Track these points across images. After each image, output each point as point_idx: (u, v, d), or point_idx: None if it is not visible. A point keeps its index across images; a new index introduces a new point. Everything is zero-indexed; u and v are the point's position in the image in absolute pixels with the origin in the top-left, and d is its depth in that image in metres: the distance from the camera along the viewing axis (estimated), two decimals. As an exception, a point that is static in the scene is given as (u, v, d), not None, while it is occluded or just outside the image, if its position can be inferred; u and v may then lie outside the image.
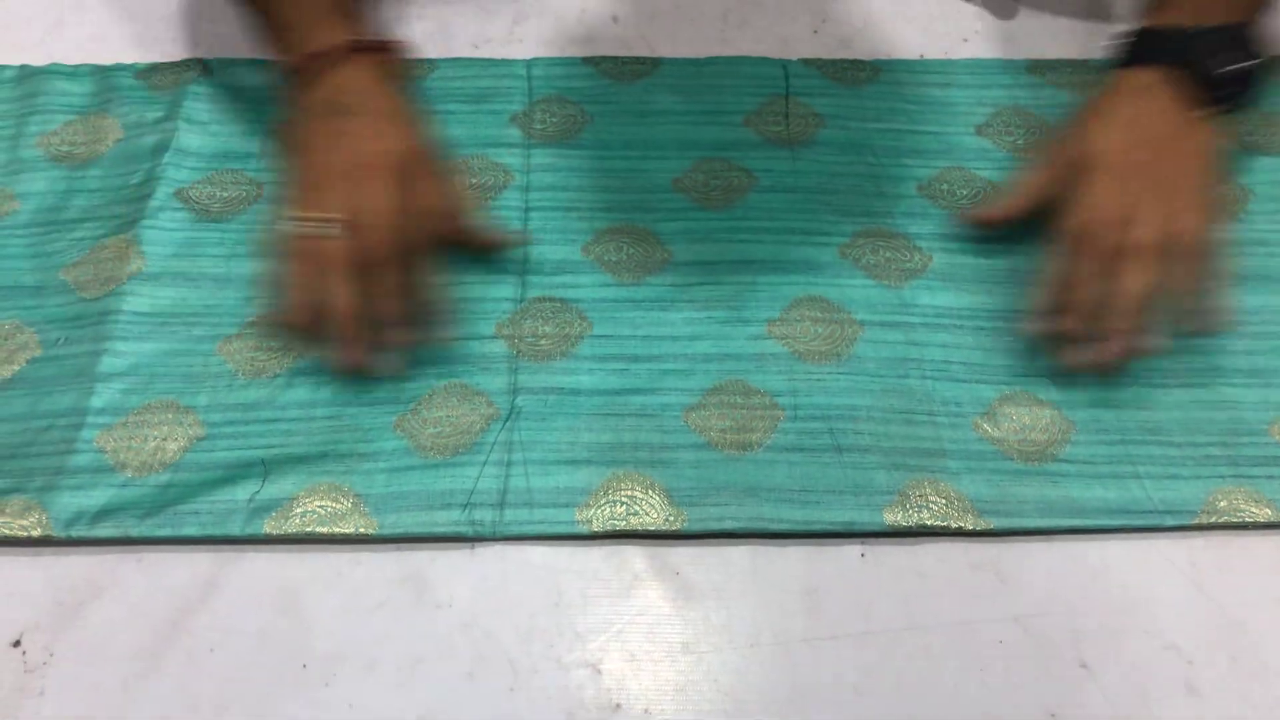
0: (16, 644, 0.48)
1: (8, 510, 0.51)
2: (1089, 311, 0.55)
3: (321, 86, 0.59)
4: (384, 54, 0.62)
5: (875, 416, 0.56)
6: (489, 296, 0.61)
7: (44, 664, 0.47)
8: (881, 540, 0.52)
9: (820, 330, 0.60)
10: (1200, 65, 0.58)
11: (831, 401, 0.57)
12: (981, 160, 0.68)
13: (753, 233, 0.65)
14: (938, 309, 0.61)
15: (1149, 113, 0.59)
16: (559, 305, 0.61)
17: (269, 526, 0.51)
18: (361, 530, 0.51)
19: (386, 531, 0.52)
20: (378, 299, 0.56)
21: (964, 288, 0.62)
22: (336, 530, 0.51)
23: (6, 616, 0.49)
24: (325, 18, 0.60)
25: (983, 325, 0.60)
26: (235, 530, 0.51)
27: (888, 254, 0.63)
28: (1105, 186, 0.57)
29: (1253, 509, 0.52)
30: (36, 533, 0.51)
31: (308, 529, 0.51)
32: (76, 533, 0.51)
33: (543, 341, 0.59)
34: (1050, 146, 0.62)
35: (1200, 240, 0.56)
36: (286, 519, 0.52)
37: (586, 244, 0.64)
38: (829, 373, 0.58)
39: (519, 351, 0.59)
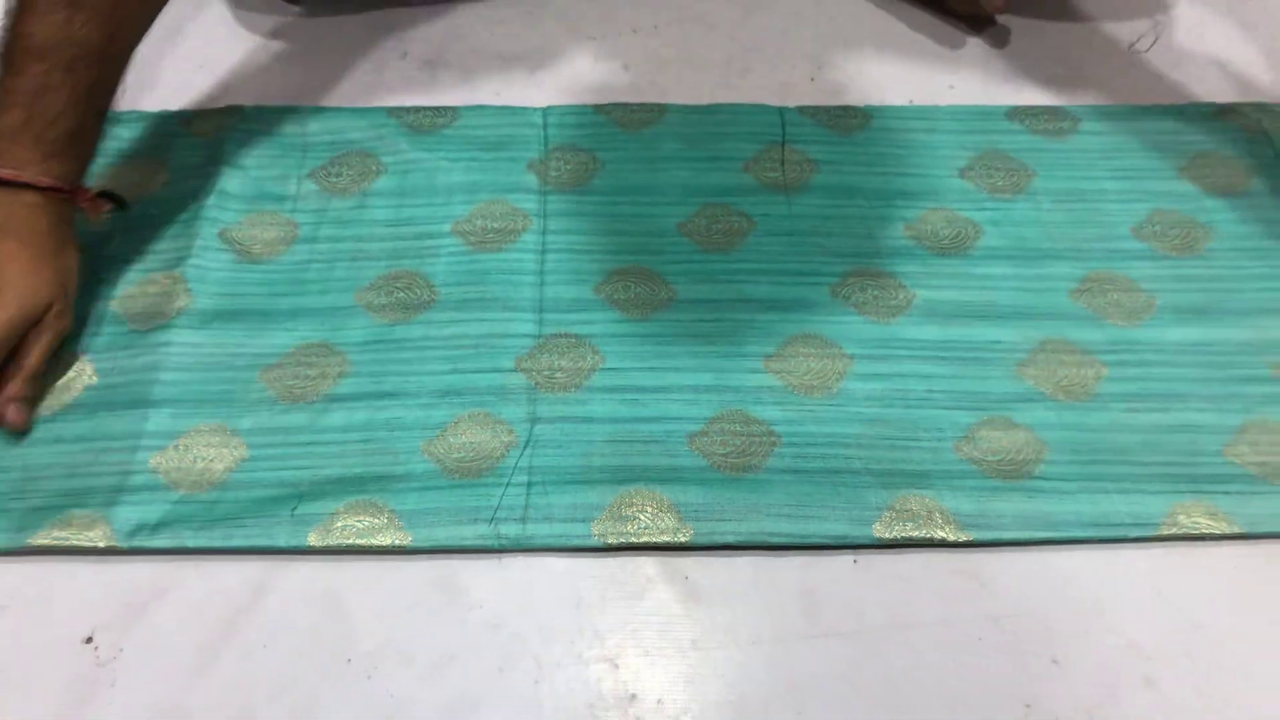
0: (89, 640, 0.53)
1: (75, 523, 0.57)
2: None
3: None
4: (55, 196, 0.62)
5: (864, 443, 0.61)
6: (509, 333, 0.67)
7: (114, 658, 0.53)
8: (871, 549, 0.57)
9: (813, 365, 0.65)
10: None
11: (824, 430, 0.62)
12: (964, 201, 0.74)
13: (751, 274, 0.70)
14: (921, 342, 0.66)
15: None
16: (573, 340, 0.66)
17: (312, 539, 0.57)
18: (397, 543, 0.57)
19: (420, 544, 0.57)
20: None
21: (945, 322, 0.67)
22: (374, 543, 0.57)
23: (80, 616, 0.54)
24: (16, 142, 0.60)
25: (963, 356, 0.65)
26: (281, 542, 0.57)
27: (875, 292, 0.69)
28: None
29: (1209, 522, 0.58)
30: (102, 544, 0.56)
31: (347, 541, 0.57)
32: (137, 543, 0.56)
33: (558, 375, 0.65)
34: None
35: None
36: (328, 532, 0.57)
37: (598, 284, 0.69)
38: (821, 404, 0.63)
39: (537, 384, 0.64)
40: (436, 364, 0.65)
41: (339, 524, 0.57)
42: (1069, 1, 0.92)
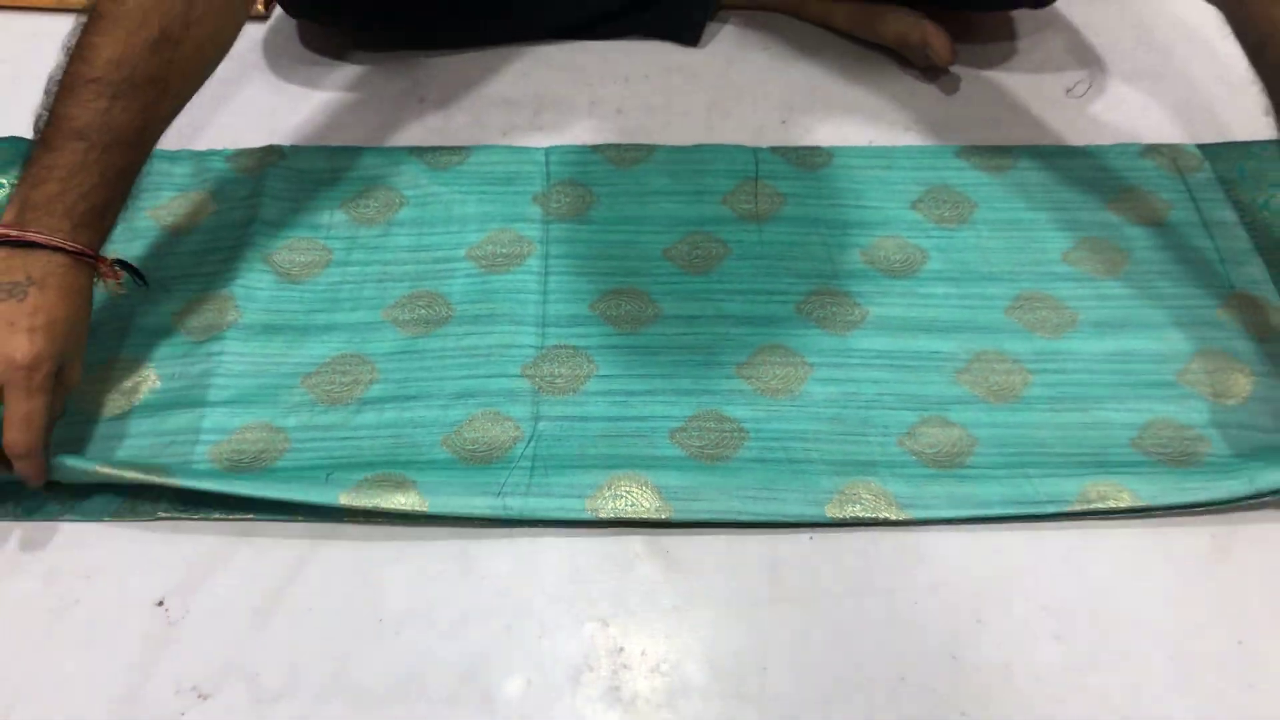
0: (160, 603, 0.60)
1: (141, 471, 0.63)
2: None
3: (5, 260, 0.61)
4: (83, 261, 0.64)
5: (820, 438, 0.68)
6: (516, 344, 0.73)
7: (182, 618, 0.60)
8: (826, 528, 0.64)
9: (779, 372, 0.72)
10: None
11: (786, 427, 0.68)
12: (913, 230, 0.81)
13: (727, 293, 0.76)
14: (873, 352, 0.73)
15: None
16: (572, 351, 0.73)
17: (343, 499, 0.62)
18: (416, 508, 0.62)
19: (436, 510, 0.62)
20: None
21: (894, 335, 0.74)
22: (396, 506, 0.62)
23: (152, 583, 0.61)
24: (49, 212, 0.62)
25: (908, 364, 0.72)
26: (315, 499, 0.62)
27: (834, 309, 0.75)
28: None
29: (1116, 496, 0.63)
30: (160, 480, 0.62)
31: (373, 504, 0.62)
32: (192, 484, 0.62)
33: (559, 380, 0.71)
34: None
35: None
36: (356, 494, 0.63)
37: (593, 302, 0.76)
38: (785, 405, 0.70)
39: (540, 388, 0.71)
40: (453, 371, 0.72)
41: (366, 489, 0.63)
42: (1013, 54, 0.99)
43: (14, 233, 0.62)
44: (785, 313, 0.76)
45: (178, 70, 0.66)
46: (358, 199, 0.83)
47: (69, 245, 0.62)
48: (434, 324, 0.75)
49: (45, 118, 0.63)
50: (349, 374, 0.72)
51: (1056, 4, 0.98)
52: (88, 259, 0.64)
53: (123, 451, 0.67)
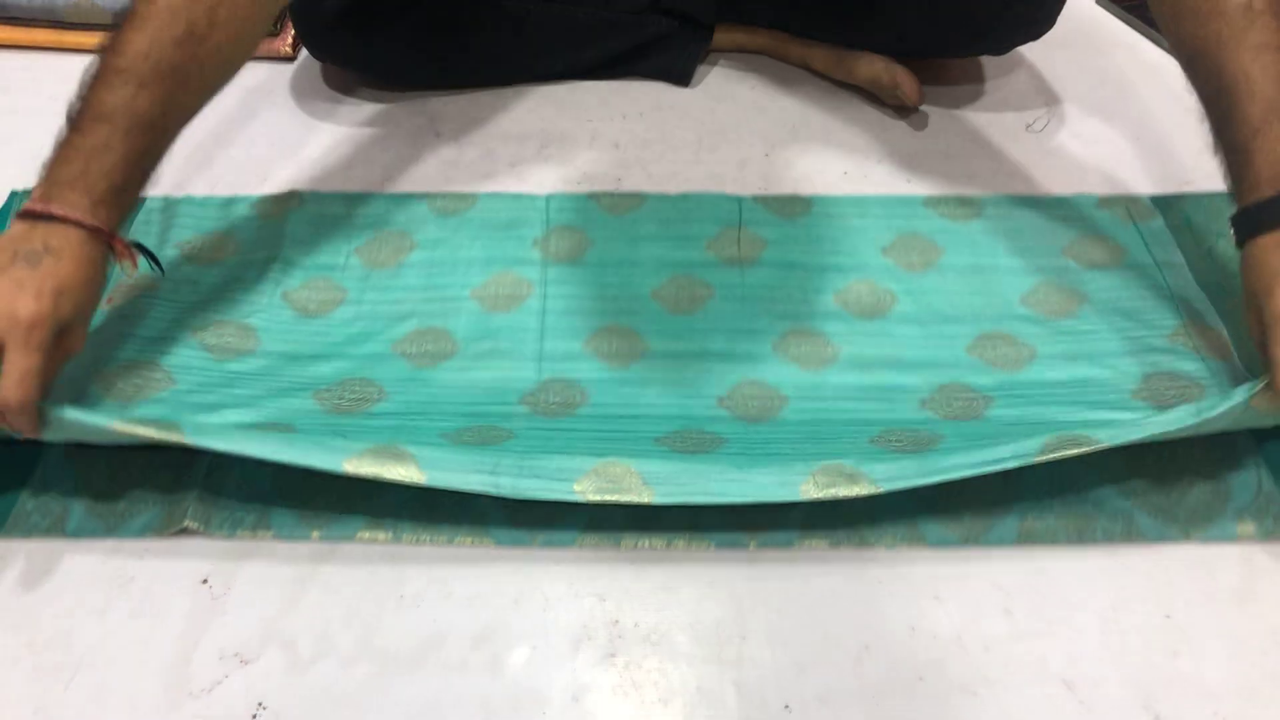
0: (205, 581, 0.74)
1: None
2: None
3: (27, 232, 0.72)
4: (99, 237, 0.74)
5: (794, 454, 0.78)
6: (515, 376, 0.86)
7: (225, 594, 0.73)
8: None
9: (756, 403, 0.84)
10: None
11: (762, 441, 0.80)
12: (884, 275, 0.95)
13: (709, 332, 0.89)
14: (844, 386, 0.85)
15: None
16: (566, 383, 0.85)
17: (347, 466, 0.71)
18: (414, 479, 0.70)
19: (432, 483, 0.70)
20: None
21: (863, 371, 0.86)
22: (395, 476, 0.70)
23: (197, 564, 0.74)
24: (72, 189, 0.73)
25: (876, 397, 0.84)
26: (322, 463, 0.70)
27: (808, 347, 0.88)
28: None
29: (1076, 444, 0.70)
30: (173, 438, 0.71)
31: (374, 473, 0.70)
32: (204, 441, 0.71)
33: (553, 406, 0.83)
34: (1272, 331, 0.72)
35: None
36: (360, 462, 0.71)
37: (587, 339, 0.89)
38: (762, 429, 0.81)
39: (535, 414, 0.82)
40: (456, 396, 0.84)
41: (369, 459, 0.71)
42: (979, 95, 1.16)
43: (38, 207, 0.73)
44: (764, 351, 0.88)
45: (198, 65, 0.78)
46: (371, 243, 0.98)
47: (86, 221, 0.73)
48: (440, 357, 0.88)
49: (77, 106, 0.75)
50: (358, 392, 0.85)
51: (1021, 50, 1.17)
52: (103, 235, 0.75)
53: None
